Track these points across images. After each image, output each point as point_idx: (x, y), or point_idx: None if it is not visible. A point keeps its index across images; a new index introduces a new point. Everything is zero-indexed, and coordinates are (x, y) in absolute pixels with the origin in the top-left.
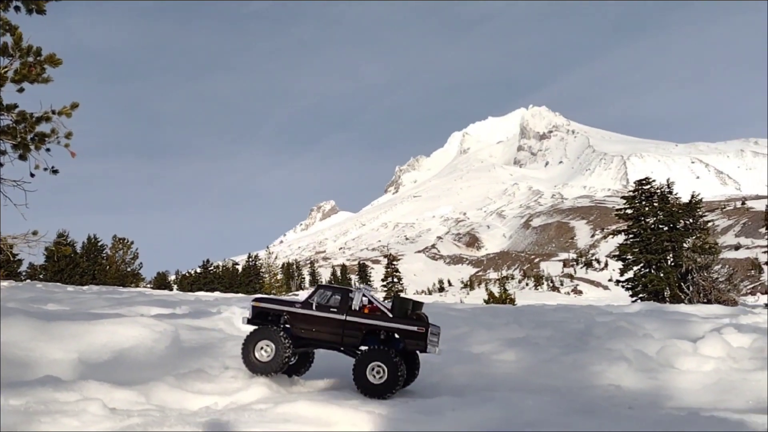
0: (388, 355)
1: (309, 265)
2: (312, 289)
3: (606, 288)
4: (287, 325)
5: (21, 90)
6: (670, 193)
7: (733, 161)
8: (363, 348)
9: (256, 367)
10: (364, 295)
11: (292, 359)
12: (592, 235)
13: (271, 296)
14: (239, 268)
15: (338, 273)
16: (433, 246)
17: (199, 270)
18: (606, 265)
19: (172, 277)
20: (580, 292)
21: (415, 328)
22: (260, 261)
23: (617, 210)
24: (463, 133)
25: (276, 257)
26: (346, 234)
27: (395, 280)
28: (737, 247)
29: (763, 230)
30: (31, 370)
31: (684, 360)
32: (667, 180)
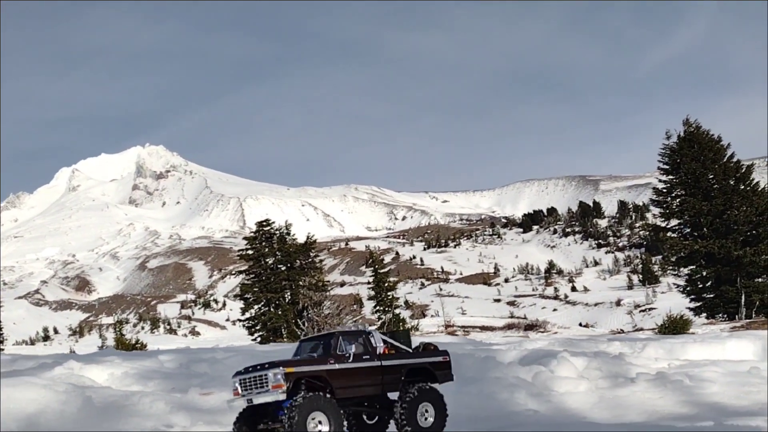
0: (437, 394)
1: None
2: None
3: (224, 328)
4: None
5: None
6: (288, 234)
7: (337, 205)
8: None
9: None
10: (381, 336)
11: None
12: (210, 276)
13: (298, 359)
14: None
15: None
16: (36, 291)
17: None
18: (224, 305)
19: None
20: (198, 333)
21: (440, 359)
22: None
23: (239, 251)
24: (72, 169)
25: None
26: None
27: None
28: (342, 284)
29: (363, 268)
30: None
31: (559, 383)
32: (285, 222)
